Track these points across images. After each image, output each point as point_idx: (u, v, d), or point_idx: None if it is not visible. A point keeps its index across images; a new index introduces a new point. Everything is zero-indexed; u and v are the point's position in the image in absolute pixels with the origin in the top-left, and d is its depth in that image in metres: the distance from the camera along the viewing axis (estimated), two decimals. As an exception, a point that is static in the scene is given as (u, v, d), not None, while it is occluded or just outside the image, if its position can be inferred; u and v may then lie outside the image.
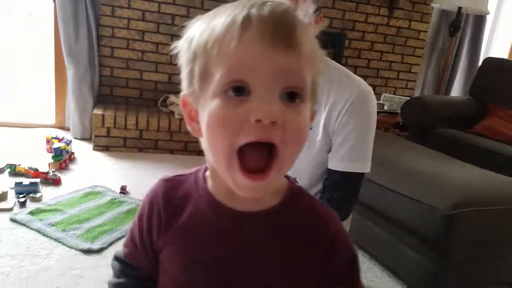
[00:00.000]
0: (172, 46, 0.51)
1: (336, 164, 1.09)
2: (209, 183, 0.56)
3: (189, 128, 0.53)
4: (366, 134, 1.09)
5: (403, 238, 1.56)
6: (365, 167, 1.10)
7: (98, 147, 2.69)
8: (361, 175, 1.11)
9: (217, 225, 0.53)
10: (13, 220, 1.69)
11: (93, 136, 2.70)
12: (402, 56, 3.50)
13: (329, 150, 1.11)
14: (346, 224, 1.21)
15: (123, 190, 2.11)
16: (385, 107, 3.16)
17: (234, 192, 0.48)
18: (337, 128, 1.08)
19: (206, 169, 0.58)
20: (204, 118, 0.47)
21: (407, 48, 3.50)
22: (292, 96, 0.45)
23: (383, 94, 3.36)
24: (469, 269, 1.55)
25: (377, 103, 3.05)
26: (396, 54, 3.48)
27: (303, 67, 0.45)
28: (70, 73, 2.74)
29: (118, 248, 0.65)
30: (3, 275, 1.38)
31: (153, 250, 0.59)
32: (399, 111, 2.94)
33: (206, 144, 0.49)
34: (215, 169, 0.50)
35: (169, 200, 0.57)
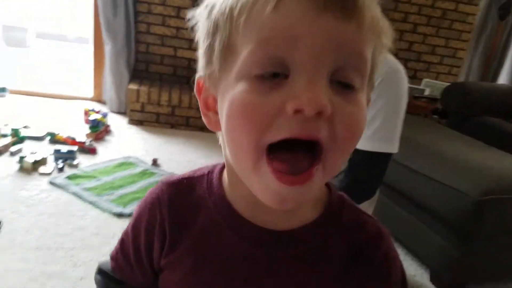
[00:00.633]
0: (188, 15, 0.41)
1: (363, 143, 1.06)
2: (227, 188, 0.44)
3: (204, 119, 0.41)
4: (395, 113, 1.05)
5: (429, 222, 1.52)
6: (393, 148, 1.06)
7: (132, 121, 2.76)
8: (388, 155, 1.07)
9: (237, 246, 0.42)
10: (52, 183, 1.78)
11: (128, 110, 2.77)
12: (446, 40, 3.34)
13: None
14: (371, 205, 1.18)
15: (155, 163, 2.16)
16: (426, 93, 3.04)
17: (259, 203, 0.37)
18: None
19: (222, 169, 0.47)
20: (224, 107, 0.36)
21: (452, 31, 3.32)
22: (345, 82, 0.34)
23: (424, 80, 3.22)
24: (494, 258, 1.50)
25: (417, 88, 2.98)
26: (440, 38, 3.31)
27: (363, 40, 0.34)
28: (108, 48, 2.81)
29: (102, 259, 0.55)
30: (42, 230, 1.46)
31: (152, 268, 0.48)
32: (440, 97, 2.82)
33: (225, 140, 0.38)
34: (236, 171, 0.39)
35: (176, 211, 0.45)
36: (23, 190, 1.69)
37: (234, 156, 0.37)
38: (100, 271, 0.54)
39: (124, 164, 2.09)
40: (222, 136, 0.40)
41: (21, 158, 1.87)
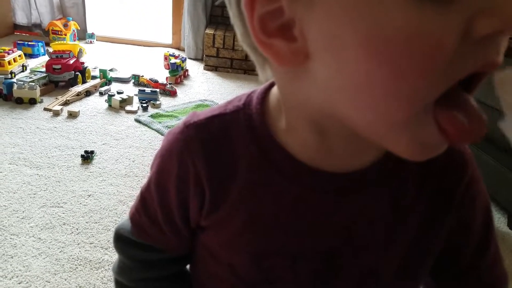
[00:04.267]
0: None
1: None
2: (276, 127, 0.34)
3: (262, 50, 0.27)
4: None
5: (509, 164, 1.40)
6: None
7: (208, 67, 2.82)
8: None
9: (297, 196, 0.34)
10: (137, 121, 1.91)
11: (204, 56, 2.82)
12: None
13: None
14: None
15: (230, 105, 2.20)
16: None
17: (327, 145, 0.32)
18: None
19: (261, 100, 0.36)
20: (349, 37, 0.23)
21: None
22: None
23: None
24: None
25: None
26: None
27: None
28: (186, -8, 2.84)
29: (121, 222, 0.43)
30: (130, 160, 1.58)
31: (188, 227, 0.39)
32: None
33: (347, 82, 0.25)
34: (349, 122, 0.28)
35: (212, 161, 0.35)
36: (112, 126, 1.83)
37: (369, 105, 0.25)
38: (121, 238, 0.43)
39: (201, 106, 2.16)
40: (285, 72, 0.29)
41: (110, 96, 2.01)
